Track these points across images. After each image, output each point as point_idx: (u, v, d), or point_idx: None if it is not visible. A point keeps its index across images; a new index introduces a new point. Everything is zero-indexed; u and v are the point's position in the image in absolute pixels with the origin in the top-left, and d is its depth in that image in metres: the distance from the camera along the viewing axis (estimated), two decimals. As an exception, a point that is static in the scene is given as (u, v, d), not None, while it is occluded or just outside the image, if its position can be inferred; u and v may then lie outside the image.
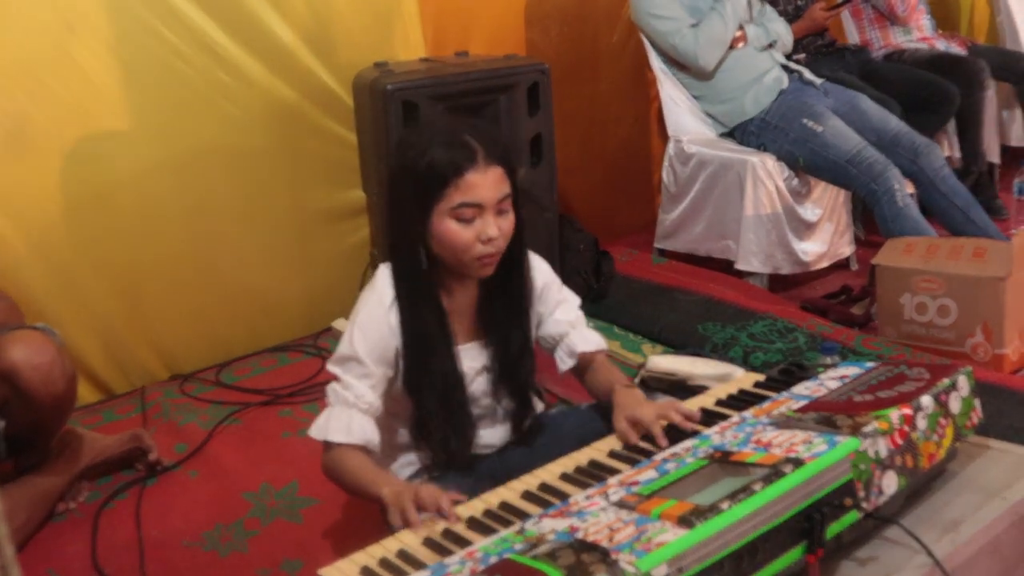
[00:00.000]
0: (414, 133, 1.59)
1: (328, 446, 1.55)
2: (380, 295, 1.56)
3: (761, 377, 1.65)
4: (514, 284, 1.62)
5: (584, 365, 1.74)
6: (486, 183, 1.47)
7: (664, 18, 3.17)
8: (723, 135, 3.28)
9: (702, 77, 3.24)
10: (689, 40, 3.15)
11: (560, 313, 1.73)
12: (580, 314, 1.76)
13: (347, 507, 1.96)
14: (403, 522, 1.32)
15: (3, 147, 2.33)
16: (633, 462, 1.37)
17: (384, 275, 1.58)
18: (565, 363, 1.74)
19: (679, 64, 3.26)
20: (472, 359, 1.62)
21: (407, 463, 1.69)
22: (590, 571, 1.00)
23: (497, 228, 1.49)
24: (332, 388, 1.57)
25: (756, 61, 3.19)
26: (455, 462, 1.62)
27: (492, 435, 1.69)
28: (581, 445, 1.49)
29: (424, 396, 1.57)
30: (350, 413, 1.54)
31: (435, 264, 1.55)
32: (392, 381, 1.59)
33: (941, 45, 3.95)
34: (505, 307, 1.63)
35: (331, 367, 1.59)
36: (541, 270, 1.71)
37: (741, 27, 3.20)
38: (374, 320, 1.55)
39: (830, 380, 1.49)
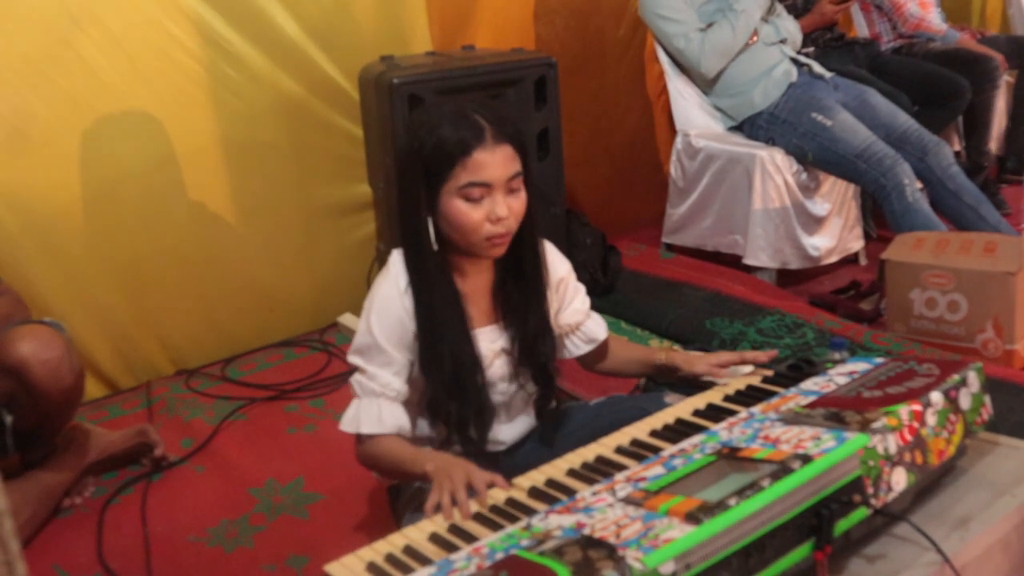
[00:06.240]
0: (424, 113, 1.56)
1: (361, 438, 1.55)
2: (394, 280, 1.54)
3: (769, 373, 1.64)
4: (528, 264, 1.59)
5: (601, 350, 1.78)
6: (495, 162, 1.45)
7: (671, 20, 3.15)
8: (731, 129, 3.26)
9: (703, 80, 3.23)
10: (695, 45, 3.13)
11: (578, 303, 1.74)
12: (588, 300, 1.77)
13: (353, 503, 1.96)
14: (447, 499, 1.30)
15: (8, 142, 2.33)
16: (640, 458, 1.36)
17: (397, 260, 1.56)
18: (580, 348, 1.76)
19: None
20: (491, 341, 1.60)
21: None
22: (597, 567, 0.99)
23: (507, 207, 1.47)
24: (356, 380, 1.55)
25: (765, 55, 3.17)
26: (473, 448, 1.60)
27: (507, 431, 1.68)
28: (588, 441, 1.48)
29: (441, 380, 1.55)
30: (379, 402, 1.53)
31: (447, 246, 1.53)
32: (412, 366, 1.57)
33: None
34: (521, 288, 1.60)
35: (352, 358, 1.56)
36: (559, 259, 1.71)
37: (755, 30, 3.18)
38: (390, 306, 1.53)
39: (839, 376, 1.48)
